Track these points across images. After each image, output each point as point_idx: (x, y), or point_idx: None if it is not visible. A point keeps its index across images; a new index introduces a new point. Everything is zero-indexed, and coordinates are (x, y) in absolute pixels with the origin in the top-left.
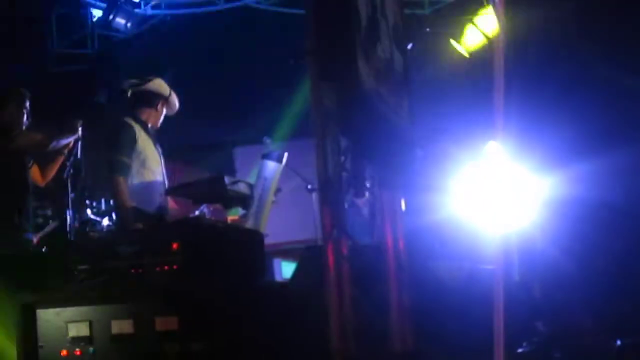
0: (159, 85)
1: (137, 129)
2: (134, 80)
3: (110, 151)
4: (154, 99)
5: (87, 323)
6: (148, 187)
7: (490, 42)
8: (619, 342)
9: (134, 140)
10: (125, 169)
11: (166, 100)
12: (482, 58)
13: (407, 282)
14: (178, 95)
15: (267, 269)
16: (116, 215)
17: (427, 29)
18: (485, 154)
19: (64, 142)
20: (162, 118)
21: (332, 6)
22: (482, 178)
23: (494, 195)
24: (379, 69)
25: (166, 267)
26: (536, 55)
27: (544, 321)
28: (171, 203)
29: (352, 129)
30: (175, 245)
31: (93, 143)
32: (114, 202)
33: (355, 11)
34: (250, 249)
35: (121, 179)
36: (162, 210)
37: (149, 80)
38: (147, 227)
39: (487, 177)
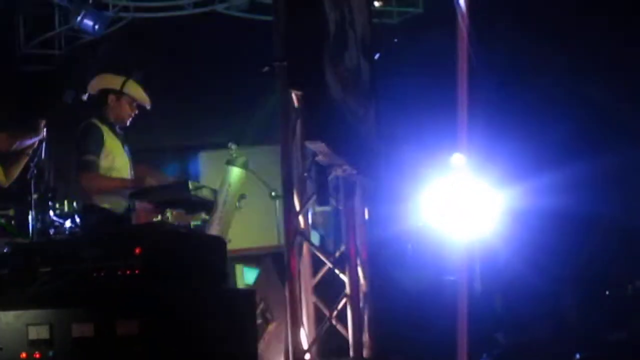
0: (104, 81)
1: (105, 130)
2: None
3: (79, 152)
4: (104, 96)
5: (47, 326)
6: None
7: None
8: (578, 356)
9: (101, 141)
10: (93, 167)
11: (119, 92)
12: (450, 69)
13: (369, 291)
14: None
15: (229, 275)
16: (86, 215)
17: (395, 40)
18: (450, 166)
19: (28, 142)
20: (127, 113)
21: (301, 15)
22: (446, 189)
23: (459, 206)
24: (346, 78)
25: (128, 271)
26: (501, 68)
27: (505, 332)
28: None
29: (318, 138)
30: (137, 250)
31: (58, 144)
32: (96, 192)
33: (323, 20)
34: (212, 254)
35: (93, 174)
36: (129, 212)
37: (94, 80)
38: (110, 231)
39: (451, 188)
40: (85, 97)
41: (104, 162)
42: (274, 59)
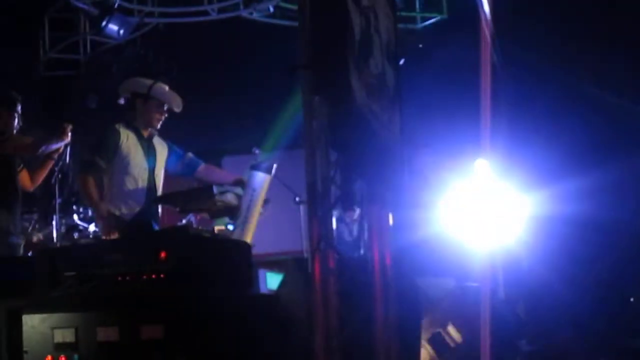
0: (131, 84)
1: (126, 134)
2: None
3: (87, 152)
4: (131, 100)
5: (73, 329)
6: (127, 194)
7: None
8: None
9: (116, 145)
10: (95, 170)
11: (146, 97)
12: (473, 74)
13: (393, 298)
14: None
15: (253, 280)
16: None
17: (420, 45)
18: (473, 171)
19: (54, 146)
20: (156, 117)
21: (326, 20)
22: (470, 195)
23: (481, 212)
24: (371, 84)
25: (153, 276)
26: (525, 74)
27: (528, 339)
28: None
29: (343, 143)
30: (163, 254)
31: (82, 148)
32: (84, 200)
33: (349, 26)
34: (237, 259)
35: (89, 178)
36: (144, 217)
37: (123, 84)
38: (135, 235)
39: (475, 194)
40: (121, 101)
41: (116, 166)
42: (299, 64)
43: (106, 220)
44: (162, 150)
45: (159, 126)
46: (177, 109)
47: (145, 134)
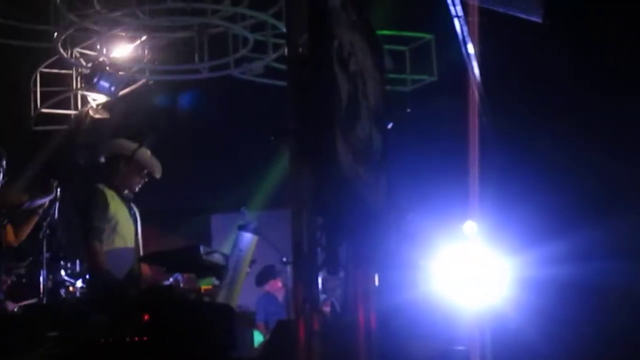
0: (116, 146)
1: (110, 194)
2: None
3: (84, 218)
4: (115, 161)
5: None
6: (118, 254)
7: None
8: None
9: (105, 207)
10: (100, 235)
11: (129, 159)
12: (462, 137)
13: None
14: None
15: (237, 343)
16: (91, 279)
17: (408, 110)
18: (462, 233)
19: (39, 202)
20: (136, 180)
21: (314, 85)
22: (458, 257)
23: (470, 274)
24: (357, 148)
25: (136, 338)
26: (514, 135)
27: None
28: (145, 268)
29: (327, 207)
30: (146, 316)
31: (70, 204)
32: (91, 267)
33: (336, 91)
34: (220, 322)
35: (97, 244)
36: (133, 277)
37: (107, 144)
38: (120, 296)
39: (463, 256)
40: (101, 160)
41: (107, 228)
42: (285, 129)
43: (108, 278)
44: (137, 211)
45: (137, 189)
46: (157, 175)
47: (124, 194)
